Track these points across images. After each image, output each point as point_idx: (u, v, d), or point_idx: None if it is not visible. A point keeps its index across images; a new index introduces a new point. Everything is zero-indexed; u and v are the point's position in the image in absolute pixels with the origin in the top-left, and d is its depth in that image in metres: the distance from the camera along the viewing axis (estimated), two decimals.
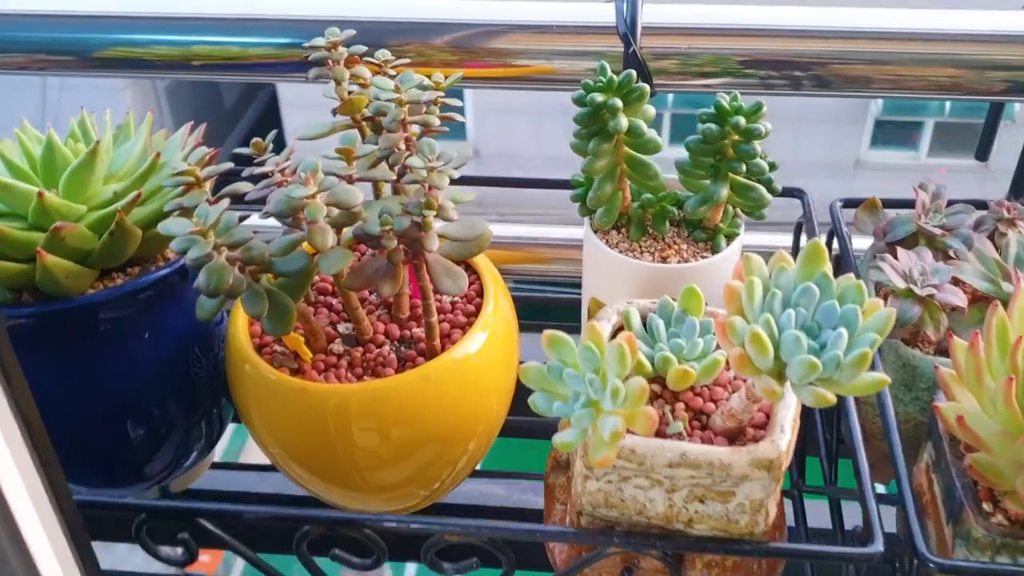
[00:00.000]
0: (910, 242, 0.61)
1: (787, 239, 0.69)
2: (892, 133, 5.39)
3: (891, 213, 0.64)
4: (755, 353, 0.38)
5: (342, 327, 0.55)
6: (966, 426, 0.46)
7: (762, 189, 0.57)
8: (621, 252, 0.60)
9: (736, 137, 0.55)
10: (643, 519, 0.45)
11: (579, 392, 0.39)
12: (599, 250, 0.60)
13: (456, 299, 0.57)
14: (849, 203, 0.66)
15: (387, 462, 0.53)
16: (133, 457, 0.57)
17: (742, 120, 0.54)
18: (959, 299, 0.55)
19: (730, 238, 0.60)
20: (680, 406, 0.46)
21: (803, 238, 0.68)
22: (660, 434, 0.45)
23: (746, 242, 0.63)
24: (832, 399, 0.38)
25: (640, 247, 0.60)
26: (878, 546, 0.44)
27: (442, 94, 0.52)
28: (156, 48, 0.73)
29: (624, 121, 0.53)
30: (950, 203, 0.62)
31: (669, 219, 0.60)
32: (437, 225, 0.47)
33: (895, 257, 0.58)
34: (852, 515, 0.62)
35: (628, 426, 0.39)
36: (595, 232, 0.61)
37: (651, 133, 0.54)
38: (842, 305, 0.40)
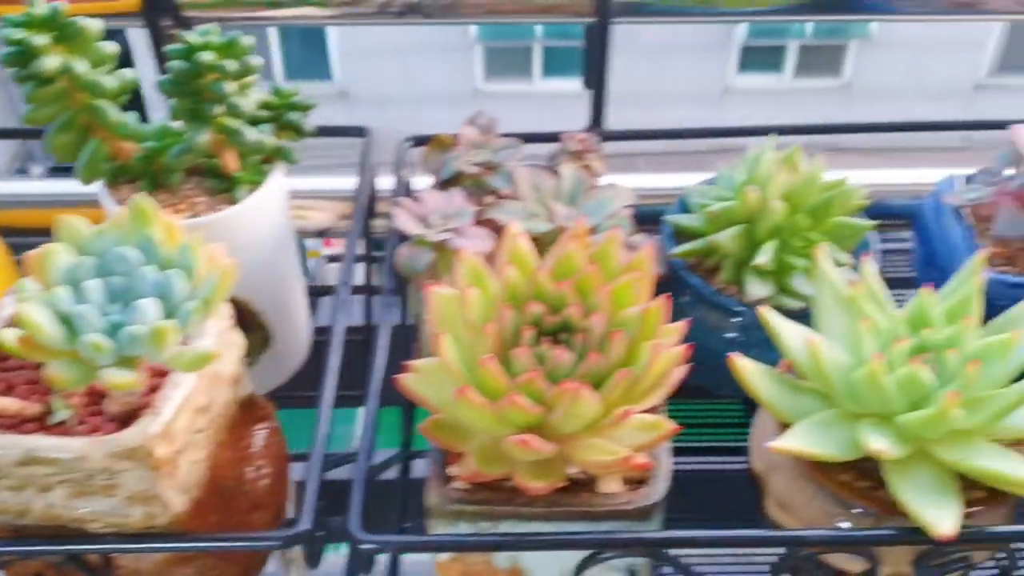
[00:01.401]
0: (458, 181, 0.56)
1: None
2: (757, 57, 5.40)
3: None
4: (36, 335, 0.33)
5: None
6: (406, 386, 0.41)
7: (252, 132, 0.50)
8: None
9: (212, 76, 0.49)
10: (40, 522, 0.39)
11: None
12: (109, 209, 0.53)
13: None
14: (420, 140, 0.61)
15: None
16: None
17: (207, 56, 0.47)
18: (475, 243, 0.51)
19: (257, 187, 0.54)
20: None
21: (382, 182, 0.62)
22: (44, 427, 0.39)
23: (305, 187, 0.57)
24: (125, 382, 0.33)
25: (157, 203, 0.54)
26: (301, 526, 0.40)
27: None
28: None
29: (52, 61, 0.45)
30: (505, 136, 0.57)
31: (186, 169, 0.54)
32: None
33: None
34: None
35: None
36: (105, 188, 0.54)
37: (94, 75, 0.47)
38: (166, 271, 0.34)
